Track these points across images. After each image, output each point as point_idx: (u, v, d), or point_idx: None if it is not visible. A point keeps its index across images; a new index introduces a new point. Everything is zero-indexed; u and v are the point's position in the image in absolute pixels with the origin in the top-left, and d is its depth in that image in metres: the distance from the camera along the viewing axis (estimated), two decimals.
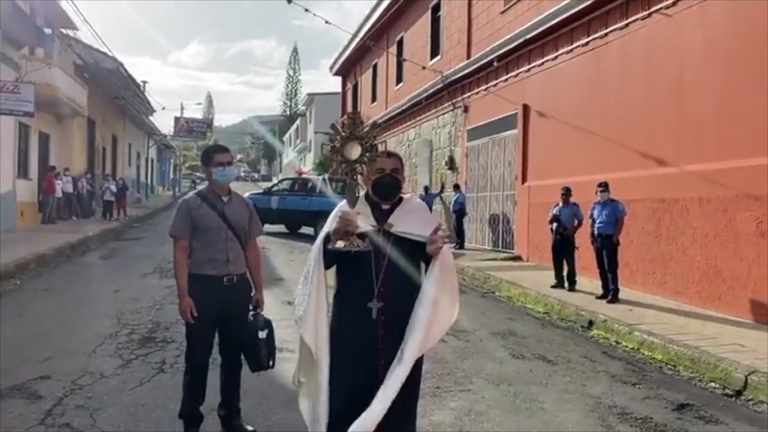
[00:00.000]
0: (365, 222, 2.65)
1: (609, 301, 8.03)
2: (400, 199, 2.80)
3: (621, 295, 8.17)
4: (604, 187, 8.34)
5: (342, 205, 2.69)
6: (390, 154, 2.78)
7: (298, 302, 2.76)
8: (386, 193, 2.72)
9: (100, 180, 22.59)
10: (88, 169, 21.89)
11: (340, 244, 2.54)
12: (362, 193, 2.81)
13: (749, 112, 7.20)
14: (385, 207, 2.74)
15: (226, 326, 3.54)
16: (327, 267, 2.70)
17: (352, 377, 2.63)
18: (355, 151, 2.53)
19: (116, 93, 23.87)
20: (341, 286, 2.77)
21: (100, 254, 12.38)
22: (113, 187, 20.36)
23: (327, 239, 2.63)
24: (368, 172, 2.66)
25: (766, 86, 6.95)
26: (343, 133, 2.56)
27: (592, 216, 8.49)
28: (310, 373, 2.76)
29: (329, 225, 2.67)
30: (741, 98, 7.33)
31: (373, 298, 2.66)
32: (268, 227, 16.74)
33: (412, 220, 2.72)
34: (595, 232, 8.38)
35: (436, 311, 2.64)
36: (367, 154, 2.56)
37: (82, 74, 20.06)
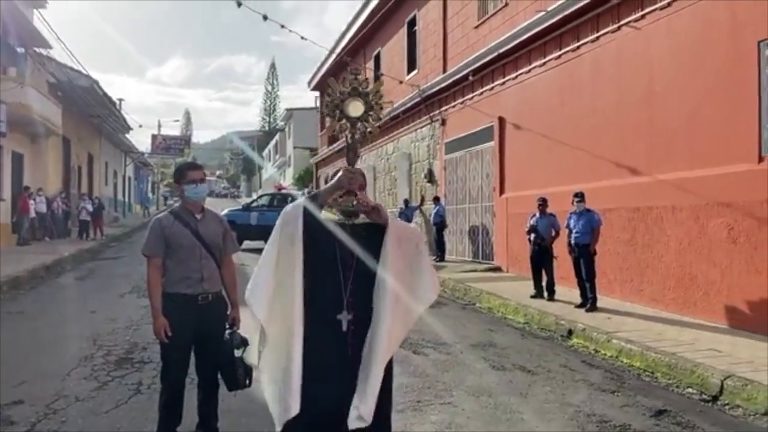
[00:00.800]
0: (328, 215, 2.57)
1: (588, 310, 8.11)
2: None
3: (599, 304, 8.26)
4: (580, 197, 8.44)
5: (296, 203, 2.53)
6: (355, 170, 2.58)
7: (251, 284, 2.52)
8: (346, 216, 2.58)
9: (76, 199, 22.28)
10: (63, 189, 21.59)
11: (342, 200, 2.40)
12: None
13: (716, 121, 7.37)
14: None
15: (202, 345, 3.51)
16: (305, 240, 2.43)
17: (321, 399, 2.45)
18: (357, 109, 2.41)
19: (91, 111, 23.63)
20: (305, 297, 2.50)
21: (76, 275, 12.18)
22: (89, 207, 20.10)
23: (312, 197, 2.48)
24: (346, 142, 2.52)
25: (732, 96, 7.14)
26: (344, 89, 2.42)
27: (568, 226, 8.59)
28: (273, 358, 2.58)
29: (285, 219, 2.50)
30: (708, 108, 7.50)
31: (342, 310, 2.49)
32: (247, 243, 16.62)
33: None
34: (572, 241, 8.47)
35: (398, 300, 2.49)
36: (371, 113, 2.43)
37: (55, 93, 19.84)
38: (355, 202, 2.39)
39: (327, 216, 2.53)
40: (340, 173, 2.47)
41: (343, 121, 2.41)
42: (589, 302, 8.23)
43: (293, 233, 2.46)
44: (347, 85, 2.41)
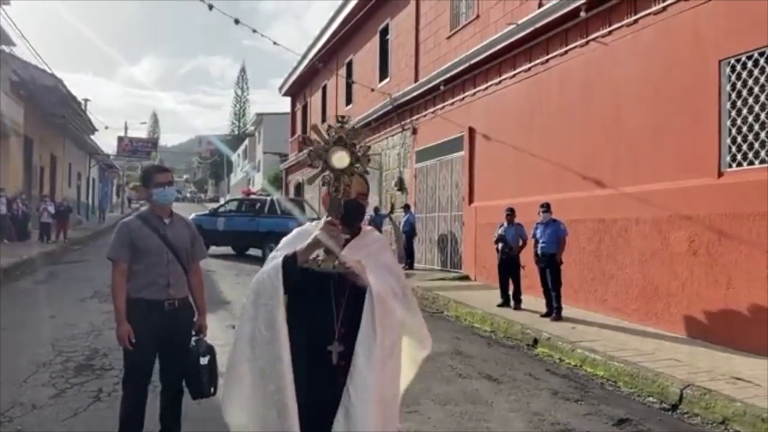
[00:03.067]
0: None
1: (553, 319, 8.22)
2: (359, 230, 2.44)
3: (565, 313, 8.38)
4: (546, 207, 8.60)
5: (305, 227, 2.38)
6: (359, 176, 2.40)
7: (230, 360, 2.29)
8: (351, 220, 2.34)
9: (37, 201, 21.69)
10: (23, 190, 21.00)
11: (321, 257, 2.18)
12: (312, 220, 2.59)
13: (679, 136, 7.57)
14: (345, 236, 2.33)
15: (167, 352, 3.45)
16: (286, 292, 2.23)
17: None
18: (342, 160, 2.22)
19: (55, 111, 23.05)
20: (293, 325, 2.25)
21: (35, 279, 11.84)
22: (51, 209, 19.57)
23: (288, 261, 2.23)
24: (330, 194, 2.28)
25: (694, 112, 7.35)
26: (327, 137, 2.24)
27: (535, 236, 8.73)
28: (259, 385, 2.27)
29: (289, 245, 2.32)
30: (672, 123, 7.71)
31: (333, 341, 2.25)
32: (214, 249, 16.43)
33: (365, 256, 2.31)
34: (539, 251, 8.60)
35: (383, 373, 2.21)
36: (357, 165, 2.25)
37: (18, 91, 19.33)
38: (336, 264, 2.18)
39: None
40: (317, 231, 2.21)
41: (327, 172, 2.24)
42: (554, 311, 8.35)
43: (272, 308, 2.21)
44: (332, 133, 2.24)
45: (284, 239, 2.41)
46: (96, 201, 41.57)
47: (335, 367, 2.23)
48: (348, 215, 2.29)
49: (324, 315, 2.27)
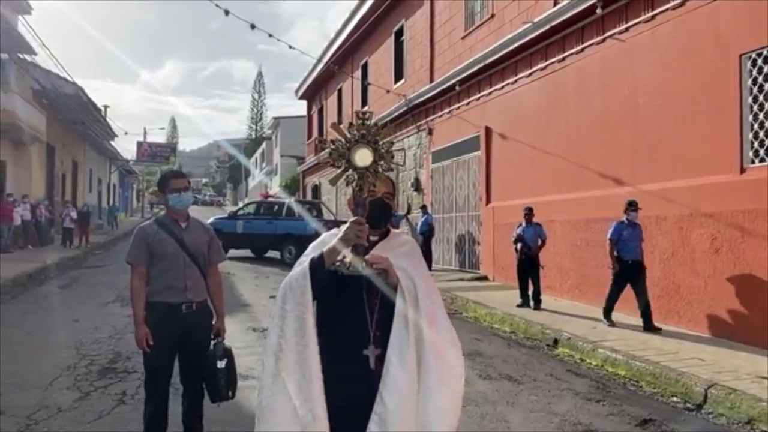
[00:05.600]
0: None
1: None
2: (387, 231, 2.34)
3: (585, 313, 8.30)
4: (634, 206, 7.70)
5: (332, 232, 2.28)
6: (384, 176, 2.29)
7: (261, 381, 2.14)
8: (378, 219, 2.25)
9: (60, 207, 22.04)
10: (46, 196, 21.36)
11: (349, 258, 2.07)
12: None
13: (699, 132, 7.47)
14: (373, 238, 2.23)
15: (185, 355, 3.48)
16: (315, 298, 2.12)
17: None
18: (365, 158, 2.13)
19: (76, 118, 23.44)
20: (326, 330, 2.16)
21: (59, 283, 12.03)
22: (73, 214, 19.89)
23: (315, 263, 2.12)
24: (353, 193, 2.17)
25: (714, 108, 7.25)
26: (349, 135, 2.16)
27: (618, 237, 7.69)
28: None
29: (317, 249, 2.20)
30: (691, 120, 7.61)
31: (369, 344, 2.15)
32: (233, 252, 16.55)
33: (395, 257, 2.20)
34: (625, 257, 7.65)
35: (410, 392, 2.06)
36: (381, 163, 2.15)
37: (40, 99, 19.68)
38: (363, 265, 2.07)
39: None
40: (346, 226, 2.12)
41: (350, 171, 2.13)
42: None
43: (301, 313, 2.08)
44: (354, 131, 2.15)
45: (312, 244, 2.29)
46: (116, 205, 42.01)
47: (373, 372, 2.11)
48: (374, 215, 2.19)
49: (358, 318, 2.16)
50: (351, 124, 2.17)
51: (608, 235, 7.75)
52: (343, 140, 2.14)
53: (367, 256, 2.11)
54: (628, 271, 7.63)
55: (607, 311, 7.89)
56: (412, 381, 2.07)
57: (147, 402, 3.50)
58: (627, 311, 7.97)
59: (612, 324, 7.77)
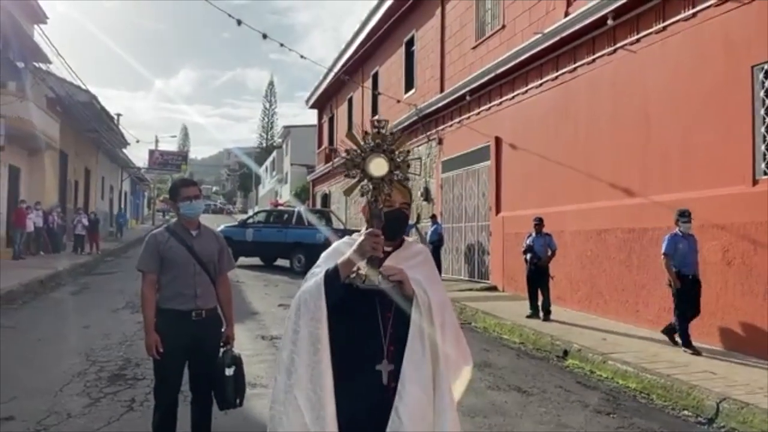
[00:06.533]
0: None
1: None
2: (401, 241, 2.28)
3: (595, 324, 8.25)
4: (687, 217, 7.06)
5: (345, 240, 2.25)
6: (400, 185, 2.22)
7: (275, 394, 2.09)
8: (395, 231, 2.20)
9: (72, 214, 22.24)
10: (59, 203, 21.56)
11: (364, 270, 2.01)
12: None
13: (711, 143, 7.44)
14: (387, 248, 2.16)
15: (195, 362, 3.50)
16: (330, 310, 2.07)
17: None
18: (380, 167, 2.06)
19: (89, 126, 23.70)
20: (338, 344, 2.09)
21: (70, 290, 12.12)
22: (85, 221, 20.06)
23: (330, 276, 2.07)
24: (368, 204, 2.11)
25: (726, 119, 7.22)
26: (363, 144, 2.10)
27: (669, 251, 7.11)
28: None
29: (329, 259, 2.15)
30: (702, 130, 7.58)
31: (382, 359, 2.09)
32: (243, 260, 16.60)
33: (409, 267, 2.14)
34: (685, 273, 7.05)
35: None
36: (397, 173, 2.10)
37: (54, 107, 19.91)
38: (380, 279, 2.02)
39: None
40: (360, 237, 2.06)
41: (365, 181, 2.07)
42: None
43: (315, 329, 2.04)
44: (369, 140, 2.09)
45: (323, 254, 2.24)
46: (128, 213, 42.27)
47: (386, 387, 2.05)
48: (390, 226, 2.12)
49: (371, 333, 2.10)
50: (366, 132, 2.11)
51: (663, 249, 7.13)
52: (357, 149, 2.08)
53: (381, 267, 2.05)
54: (691, 288, 6.98)
55: (684, 337, 6.96)
56: (428, 397, 2.02)
57: (156, 409, 3.51)
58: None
59: (696, 352, 6.76)
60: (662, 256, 7.16)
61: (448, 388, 2.08)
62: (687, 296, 6.99)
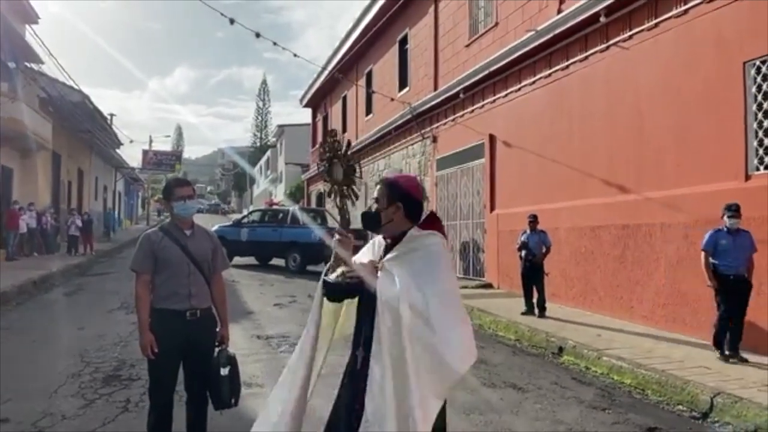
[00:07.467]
0: (368, 256, 2.42)
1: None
2: (402, 234, 2.38)
3: (589, 320, 8.28)
4: (734, 211, 6.40)
5: (378, 238, 2.50)
6: (379, 181, 2.43)
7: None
8: (368, 226, 2.42)
9: (65, 214, 22.13)
10: (52, 204, 21.45)
11: (336, 273, 2.31)
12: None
13: (704, 140, 7.47)
14: (387, 241, 2.37)
15: (189, 362, 3.48)
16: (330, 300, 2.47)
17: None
18: (338, 172, 2.33)
19: (82, 126, 23.59)
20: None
21: (64, 291, 12.06)
22: (78, 222, 19.97)
23: (323, 278, 2.41)
24: (337, 206, 2.48)
25: (718, 115, 7.25)
26: (326, 154, 2.38)
27: (709, 247, 6.57)
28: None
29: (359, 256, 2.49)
30: (695, 127, 7.61)
31: (359, 346, 2.33)
32: (237, 259, 16.58)
33: (398, 262, 2.27)
34: (725, 272, 6.43)
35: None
36: (354, 176, 2.35)
37: (46, 108, 19.81)
38: (338, 276, 2.30)
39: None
40: (333, 242, 2.34)
41: (334, 186, 2.38)
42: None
43: (309, 326, 2.54)
44: (327, 148, 2.38)
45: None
46: (122, 214, 42.07)
47: (359, 372, 2.29)
48: (364, 222, 2.39)
49: (360, 321, 2.38)
50: (325, 141, 2.40)
51: (702, 245, 6.62)
52: (325, 157, 2.40)
53: (348, 266, 2.34)
54: (734, 289, 6.36)
55: (717, 340, 6.47)
56: (387, 383, 2.16)
57: (151, 409, 3.50)
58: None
59: (726, 359, 6.28)
60: (702, 253, 6.62)
61: (415, 371, 2.17)
62: (727, 297, 6.37)
